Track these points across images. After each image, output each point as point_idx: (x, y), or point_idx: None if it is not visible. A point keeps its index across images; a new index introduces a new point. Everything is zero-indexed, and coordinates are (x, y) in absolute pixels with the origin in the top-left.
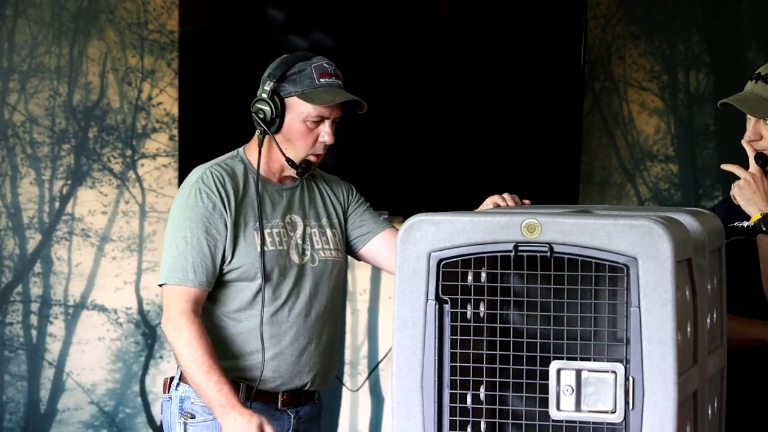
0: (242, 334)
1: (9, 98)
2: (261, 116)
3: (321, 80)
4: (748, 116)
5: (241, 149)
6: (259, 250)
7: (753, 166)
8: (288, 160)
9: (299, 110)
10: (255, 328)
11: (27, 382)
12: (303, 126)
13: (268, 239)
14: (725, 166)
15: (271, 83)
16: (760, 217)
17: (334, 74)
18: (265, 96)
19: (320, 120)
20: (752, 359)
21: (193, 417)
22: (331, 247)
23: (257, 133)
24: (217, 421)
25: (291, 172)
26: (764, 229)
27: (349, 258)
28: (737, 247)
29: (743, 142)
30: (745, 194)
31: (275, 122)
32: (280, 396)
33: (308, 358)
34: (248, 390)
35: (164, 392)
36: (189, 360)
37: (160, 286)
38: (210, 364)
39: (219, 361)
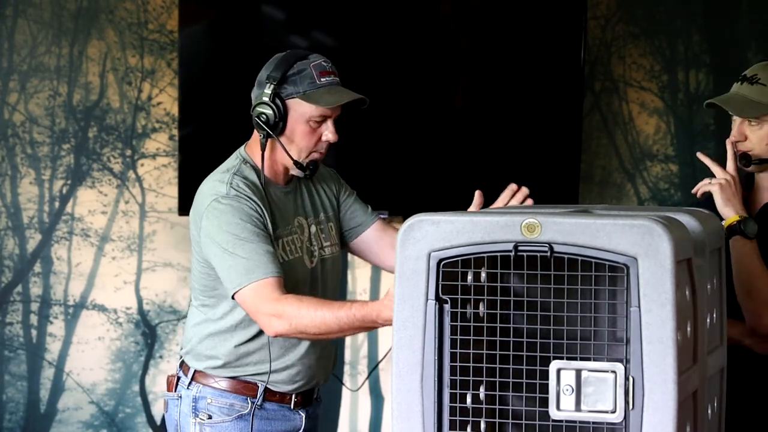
0: (264, 340)
1: (9, 98)
2: (263, 119)
3: (322, 80)
4: (734, 117)
5: (243, 153)
6: (280, 260)
7: (731, 166)
8: (296, 162)
9: (302, 111)
10: None
11: (27, 381)
12: (306, 126)
13: (287, 248)
14: (702, 157)
15: (272, 85)
16: (739, 219)
17: (333, 72)
18: (266, 99)
19: (323, 119)
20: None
21: (210, 417)
22: (331, 242)
23: (259, 136)
24: (233, 422)
25: (295, 172)
26: (743, 230)
27: (349, 257)
28: None
29: (727, 142)
30: (725, 194)
31: (278, 125)
32: (293, 397)
33: (324, 358)
34: (265, 391)
35: (170, 390)
36: (320, 321)
37: (233, 297)
38: (332, 308)
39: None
